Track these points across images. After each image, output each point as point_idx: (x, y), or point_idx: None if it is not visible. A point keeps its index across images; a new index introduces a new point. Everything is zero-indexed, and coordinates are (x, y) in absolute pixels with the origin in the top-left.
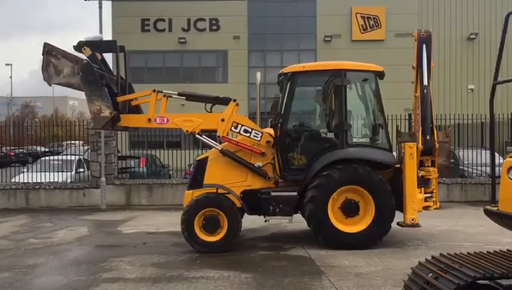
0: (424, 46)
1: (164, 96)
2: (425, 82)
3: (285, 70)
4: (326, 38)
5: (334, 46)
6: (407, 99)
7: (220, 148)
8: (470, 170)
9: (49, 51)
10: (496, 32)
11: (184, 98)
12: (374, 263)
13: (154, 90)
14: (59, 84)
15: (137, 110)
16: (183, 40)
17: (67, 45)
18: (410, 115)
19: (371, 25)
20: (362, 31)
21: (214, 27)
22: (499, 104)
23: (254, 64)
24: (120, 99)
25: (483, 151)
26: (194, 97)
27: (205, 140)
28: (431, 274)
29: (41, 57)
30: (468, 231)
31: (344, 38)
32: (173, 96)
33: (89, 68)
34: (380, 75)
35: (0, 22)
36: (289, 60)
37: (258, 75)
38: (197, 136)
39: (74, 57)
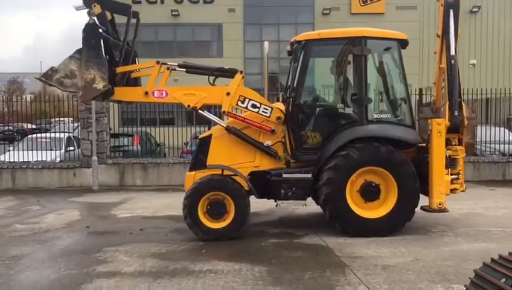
0: (452, 11)
1: (168, 69)
2: (453, 52)
3: (298, 38)
4: (324, 11)
5: (333, 19)
6: (410, 74)
7: (225, 125)
8: (483, 147)
9: (46, 77)
10: (499, 5)
11: (184, 70)
12: (401, 253)
13: (158, 62)
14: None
15: (135, 82)
16: (176, 13)
17: (59, 19)
18: (420, 90)
19: None
20: (362, 4)
21: None
22: (501, 79)
23: (250, 38)
24: (119, 70)
25: (497, 129)
26: (195, 69)
27: (208, 116)
28: (504, 280)
29: (52, 84)
30: (491, 214)
31: (343, 11)
32: (176, 69)
33: (93, 30)
34: (403, 43)
35: None
36: (286, 34)
37: (266, 44)
38: (200, 111)
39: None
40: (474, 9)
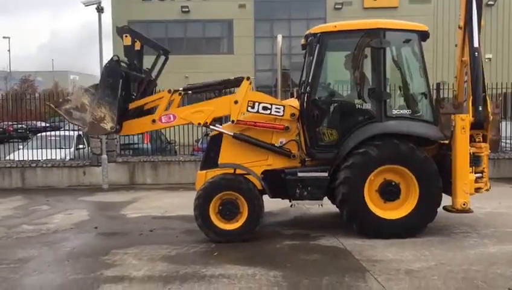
0: (475, 1)
1: (179, 94)
2: (476, 43)
3: (313, 30)
4: (336, 6)
5: (345, 15)
6: None
7: (232, 133)
8: (502, 143)
9: (56, 104)
10: None
11: (190, 92)
12: (424, 257)
13: (169, 91)
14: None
15: (149, 112)
16: (186, 9)
17: (74, 17)
18: (438, 84)
19: None
20: None
21: None
22: None
23: (261, 34)
24: (132, 106)
25: None
26: (200, 88)
27: (219, 129)
28: None
29: (59, 112)
30: None
31: (355, 6)
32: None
33: (114, 69)
34: (423, 35)
35: None
36: (297, 30)
37: (279, 38)
38: (211, 127)
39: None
40: (490, 2)
